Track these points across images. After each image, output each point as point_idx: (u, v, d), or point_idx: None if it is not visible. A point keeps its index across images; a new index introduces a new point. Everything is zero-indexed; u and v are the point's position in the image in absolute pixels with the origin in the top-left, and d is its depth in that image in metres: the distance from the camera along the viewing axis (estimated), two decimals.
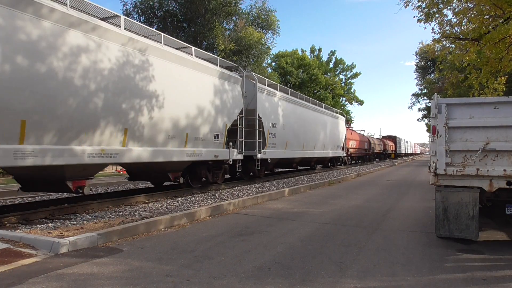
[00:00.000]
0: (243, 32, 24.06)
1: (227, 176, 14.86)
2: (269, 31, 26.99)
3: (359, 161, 36.71)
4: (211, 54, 12.51)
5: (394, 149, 55.93)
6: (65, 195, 10.37)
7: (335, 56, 51.43)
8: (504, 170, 5.45)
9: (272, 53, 41.05)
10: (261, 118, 14.13)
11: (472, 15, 10.42)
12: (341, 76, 52.22)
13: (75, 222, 6.75)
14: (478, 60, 11.84)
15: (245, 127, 13.29)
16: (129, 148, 8.46)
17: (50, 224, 6.59)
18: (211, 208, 8.11)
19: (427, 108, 40.88)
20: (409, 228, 6.96)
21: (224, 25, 25.84)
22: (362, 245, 5.64)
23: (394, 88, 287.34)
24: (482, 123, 5.65)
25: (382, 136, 56.88)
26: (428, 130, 47.37)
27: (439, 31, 11.50)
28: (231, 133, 12.66)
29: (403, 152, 64.89)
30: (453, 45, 12.32)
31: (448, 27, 11.29)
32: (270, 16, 26.57)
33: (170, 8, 24.62)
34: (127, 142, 8.37)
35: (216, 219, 7.68)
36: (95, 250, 5.24)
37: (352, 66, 52.21)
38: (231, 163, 12.60)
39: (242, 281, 4.08)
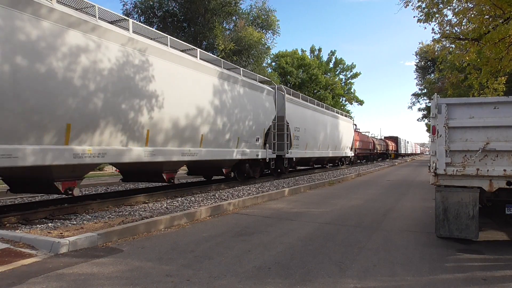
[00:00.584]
0: (243, 32, 24.05)
1: None
2: (269, 31, 27.02)
3: (364, 160, 38.42)
4: (251, 72, 14.48)
5: (395, 149, 56.97)
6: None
7: (335, 56, 51.40)
8: (504, 170, 5.44)
9: (272, 53, 41.05)
10: (288, 123, 16.44)
11: (472, 15, 10.41)
12: (341, 76, 52.20)
13: (75, 222, 6.75)
14: (478, 60, 11.83)
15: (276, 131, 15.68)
16: (203, 148, 10.94)
17: (50, 224, 6.59)
18: (211, 208, 8.11)
19: (427, 108, 40.89)
20: (409, 228, 6.96)
21: (224, 25, 25.83)
22: (362, 245, 5.64)
23: (394, 88, 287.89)
24: (482, 123, 5.64)
25: (384, 137, 57.88)
26: (428, 130, 47.34)
27: (439, 31, 11.51)
28: (265, 136, 14.94)
29: (404, 152, 65.49)
30: (453, 45, 12.31)
31: (448, 27, 11.29)
32: (270, 16, 26.57)
33: (170, 8, 24.60)
34: (202, 144, 10.90)
35: (216, 219, 7.68)
36: (95, 250, 5.24)
37: (352, 66, 52.20)
38: (267, 161, 15.08)
39: (242, 281, 4.08)
